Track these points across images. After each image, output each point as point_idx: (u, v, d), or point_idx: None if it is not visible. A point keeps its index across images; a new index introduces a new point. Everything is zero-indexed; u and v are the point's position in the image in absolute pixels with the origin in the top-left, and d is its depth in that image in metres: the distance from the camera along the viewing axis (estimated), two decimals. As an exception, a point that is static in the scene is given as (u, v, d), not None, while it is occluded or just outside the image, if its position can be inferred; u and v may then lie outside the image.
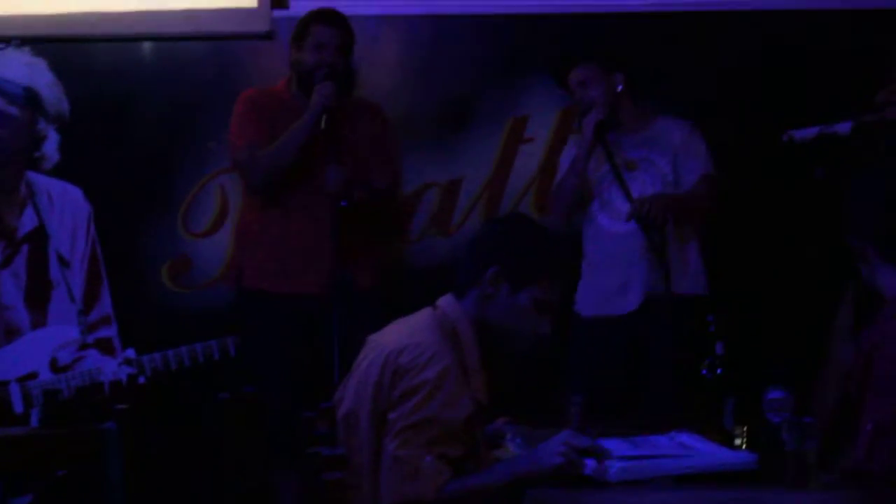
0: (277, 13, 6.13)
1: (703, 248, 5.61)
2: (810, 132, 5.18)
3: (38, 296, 4.62)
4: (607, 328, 5.57)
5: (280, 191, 5.47)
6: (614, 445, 3.63)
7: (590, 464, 3.51)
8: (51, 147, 5.05)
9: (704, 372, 4.07)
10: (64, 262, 4.66)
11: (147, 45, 6.13)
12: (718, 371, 4.05)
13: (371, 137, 5.65)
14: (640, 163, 5.65)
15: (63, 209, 4.90)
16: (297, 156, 5.42)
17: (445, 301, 3.83)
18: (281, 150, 5.44)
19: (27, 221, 4.76)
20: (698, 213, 5.63)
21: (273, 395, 5.01)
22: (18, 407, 4.31)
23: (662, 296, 5.45)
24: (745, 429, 3.91)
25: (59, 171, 5.35)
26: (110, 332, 4.75)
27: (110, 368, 4.42)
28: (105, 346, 4.65)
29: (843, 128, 5.12)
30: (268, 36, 6.13)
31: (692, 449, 3.68)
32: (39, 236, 4.72)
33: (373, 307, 5.31)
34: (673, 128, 5.69)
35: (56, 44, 5.90)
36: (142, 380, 4.47)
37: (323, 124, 5.40)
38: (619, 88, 5.65)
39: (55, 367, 4.45)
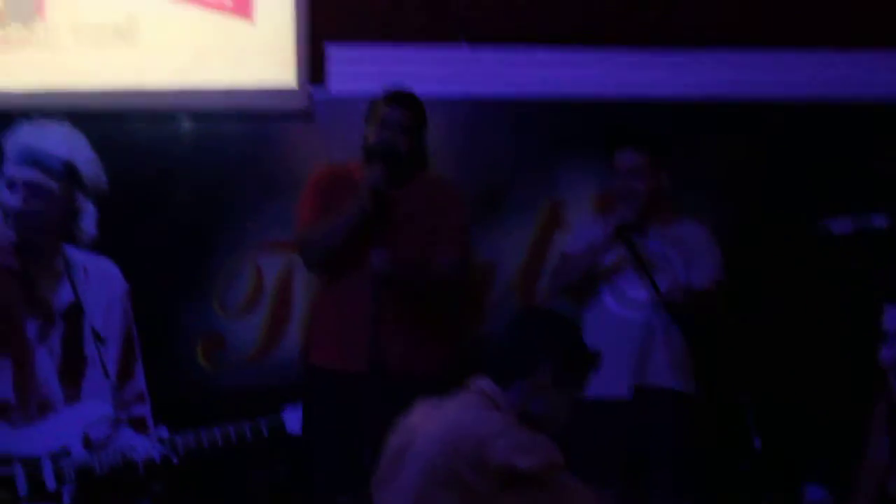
0: (316, 92, 6.16)
1: (747, 342, 5.59)
2: (847, 224, 5.17)
3: (72, 371, 4.60)
4: (608, 412, 5.53)
5: (338, 270, 5.47)
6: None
7: None
8: (88, 222, 5.06)
9: (742, 467, 4.03)
10: (99, 339, 4.64)
11: (186, 122, 6.16)
12: (756, 467, 4.02)
13: (437, 217, 5.63)
14: (659, 260, 5.65)
15: (99, 284, 4.89)
16: (347, 237, 5.41)
17: (487, 386, 3.85)
18: (331, 231, 5.46)
19: (63, 296, 4.75)
20: (705, 316, 5.61)
21: (312, 473, 4.97)
22: (51, 484, 4.28)
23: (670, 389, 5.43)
24: (784, 525, 3.87)
25: (96, 247, 5.36)
26: (144, 409, 4.72)
27: (143, 446, 4.39)
28: (138, 424, 4.62)
29: (880, 221, 5.11)
30: (305, 114, 6.16)
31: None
32: (75, 311, 4.70)
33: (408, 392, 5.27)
34: (692, 231, 5.70)
35: (96, 119, 5.93)
36: (175, 459, 4.44)
37: (368, 206, 5.39)
38: (665, 185, 5.66)
39: (88, 443, 4.42)
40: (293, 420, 4.56)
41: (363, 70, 6.32)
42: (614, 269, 5.69)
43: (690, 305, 5.47)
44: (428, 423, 3.82)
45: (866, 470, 4.75)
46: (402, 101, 5.74)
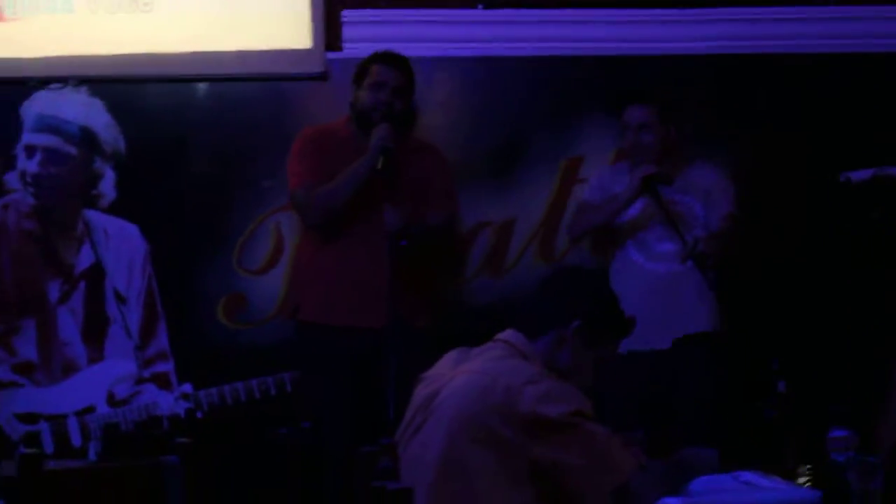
0: (331, 55, 6.15)
1: (772, 287, 5.59)
2: (866, 174, 5.16)
3: (95, 331, 4.64)
4: (644, 363, 5.53)
5: (338, 227, 5.48)
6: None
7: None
8: (107, 185, 5.07)
9: (767, 411, 4.03)
10: (121, 299, 4.67)
11: (202, 86, 6.15)
12: (781, 410, 4.01)
13: (428, 176, 5.66)
14: (679, 207, 5.64)
15: (120, 246, 4.92)
16: (354, 195, 5.43)
17: (514, 337, 3.87)
18: (337, 189, 5.46)
19: (84, 258, 4.78)
20: (722, 253, 5.62)
21: (331, 428, 4.99)
22: (76, 440, 4.31)
23: (710, 335, 5.44)
24: (808, 468, 3.87)
25: (115, 209, 5.38)
26: (167, 367, 4.75)
27: (167, 403, 4.42)
28: (162, 381, 4.65)
29: (899, 169, 5.10)
30: (321, 77, 6.16)
31: (756, 486, 3.64)
32: (96, 273, 4.73)
33: (426, 345, 5.30)
34: (705, 171, 5.70)
35: (112, 84, 5.94)
36: (199, 415, 4.47)
37: (380, 165, 5.40)
38: (673, 137, 5.66)
39: (112, 401, 4.46)
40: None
41: (379, 32, 6.31)
42: (639, 223, 5.67)
43: (715, 252, 5.46)
44: (455, 374, 3.82)
45: (891, 414, 4.76)
46: (394, 61, 5.74)
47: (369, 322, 5.34)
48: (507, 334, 3.89)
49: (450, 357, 3.94)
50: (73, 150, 4.87)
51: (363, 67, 5.68)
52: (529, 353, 3.83)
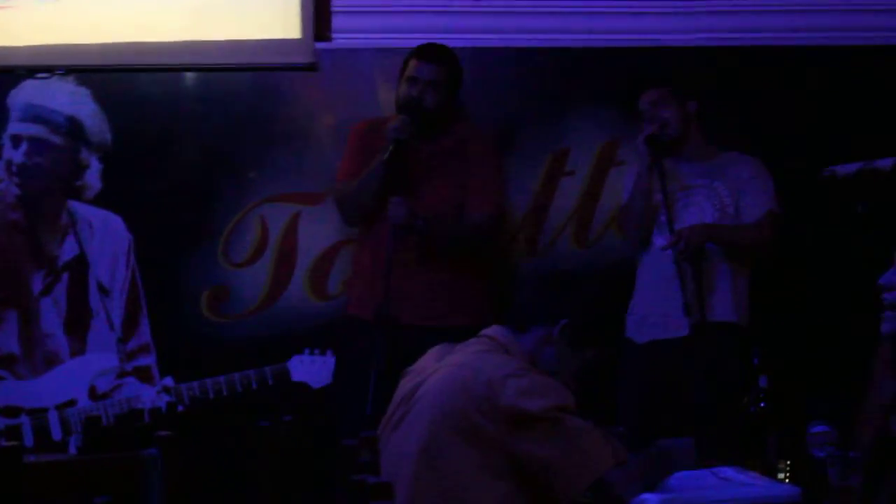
0: (320, 45, 6.14)
1: (753, 281, 5.54)
2: (852, 168, 5.15)
3: (77, 323, 4.63)
4: (660, 353, 5.51)
5: (370, 222, 5.51)
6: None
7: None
8: (93, 176, 5.06)
9: (750, 408, 4.03)
10: (104, 291, 4.67)
11: (190, 76, 6.14)
12: (762, 404, 4.01)
13: (470, 170, 5.63)
14: (701, 189, 5.59)
15: (104, 238, 4.91)
16: (378, 190, 5.42)
17: (499, 332, 3.88)
18: (361, 185, 5.48)
19: (68, 250, 4.77)
20: (755, 247, 5.55)
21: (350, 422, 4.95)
22: (57, 434, 4.31)
23: (696, 325, 5.39)
24: (788, 463, 3.87)
25: (100, 200, 5.37)
26: (149, 360, 4.75)
27: (149, 396, 4.42)
28: (144, 375, 4.65)
29: (885, 163, 5.09)
30: (311, 67, 6.14)
31: (736, 482, 3.64)
32: (80, 264, 4.72)
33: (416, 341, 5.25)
34: (740, 162, 5.62)
35: (99, 74, 5.93)
36: (180, 408, 4.47)
37: (386, 155, 5.40)
38: (692, 113, 5.61)
39: (94, 394, 4.45)
40: (298, 369, 4.57)
41: (369, 22, 6.30)
42: (659, 205, 5.62)
43: (691, 243, 5.41)
44: (438, 368, 3.83)
45: (869, 411, 4.75)
46: (431, 55, 5.73)
47: (404, 318, 5.31)
48: (493, 330, 3.91)
49: (434, 351, 3.96)
50: (58, 140, 4.86)
51: (405, 61, 5.70)
52: (514, 348, 3.85)
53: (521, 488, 3.68)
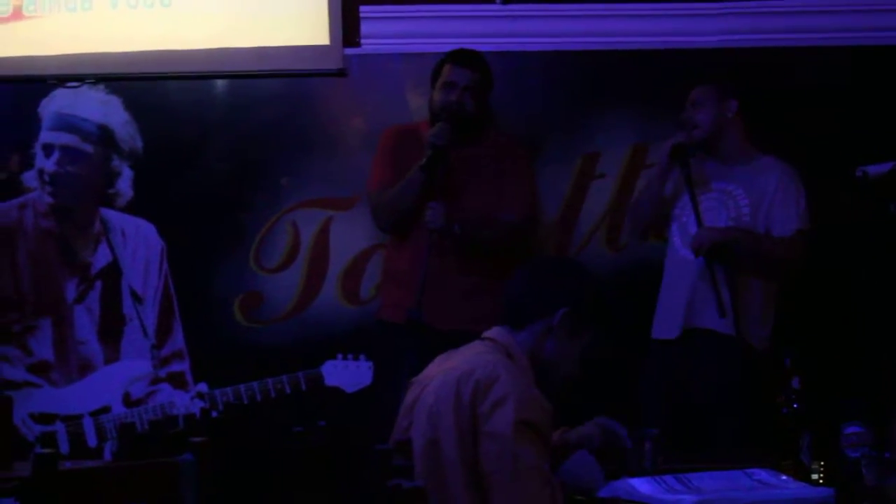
0: (349, 51, 6.15)
1: (779, 299, 5.50)
2: (884, 168, 5.13)
3: (111, 330, 4.65)
4: (669, 352, 5.51)
5: (406, 229, 5.51)
6: (694, 480, 3.62)
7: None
8: (124, 184, 5.09)
9: (781, 407, 4.02)
10: (137, 298, 4.68)
11: (220, 83, 6.16)
12: (795, 406, 4.00)
13: (505, 175, 5.63)
14: (719, 195, 5.59)
15: (136, 245, 4.92)
16: (416, 196, 5.42)
17: (497, 333, 3.89)
18: (399, 191, 5.48)
19: (101, 257, 4.79)
20: (783, 264, 5.52)
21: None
22: (92, 440, 4.32)
23: (712, 331, 5.38)
24: (822, 464, 3.86)
25: (132, 208, 5.39)
26: (182, 366, 4.76)
27: (183, 402, 4.43)
28: (177, 381, 4.66)
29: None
30: (340, 73, 6.16)
31: (769, 485, 3.64)
32: (113, 272, 4.74)
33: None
34: (773, 171, 5.57)
35: (130, 82, 5.96)
36: (214, 414, 4.48)
37: (425, 161, 5.40)
38: (731, 115, 5.59)
39: (128, 401, 4.47)
40: (332, 374, 4.57)
41: (397, 28, 6.31)
42: (670, 205, 5.62)
43: (721, 246, 5.40)
44: (437, 374, 3.85)
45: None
46: (466, 60, 5.73)
47: (438, 322, 5.31)
48: (493, 331, 3.92)
49: (437, 359, 3.98)
50: (90, 149, 4.89)
51: (438, 67, 5.69)
52: (513, 347, 3.85)
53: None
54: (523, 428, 3.63)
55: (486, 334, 3.93)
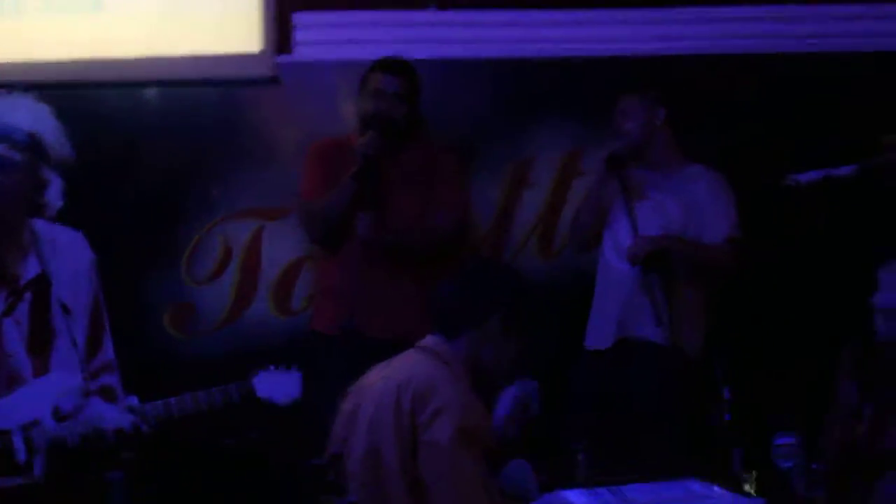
0: (281, 58, 6.13)
1: (709, 306, 5.53)
2: (815, 176, 5.17)
3: (40, 343, 4.58)
4: (602, 362, 5.53)
5: (339, 240, 5.49)
6: (627, 492, 3.63)
7: None
8: (54, 193, 5.01)
9: (713, 419, 4.04)
10: (66, 310, 4.61)
11: (152, 91, 6.13)
12: (726, 416, 4.03)
13: (434, 181, 5.64)
14: (652, 202, 5.61)
15: (66, 256, 4.85)
16: (347, 206, 5.41)
17: (433, 341, 3.91)
18: (330, 202, 5.46)
19: (30, 268, 4.72)
20: (715, 272, 5.55)
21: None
22: (21, 456, 4.26)
23: (647, 341, 5.40)
24: (754, 475, 3.89)
25: (62, 218, 5.33)
26: (113, 379, 4.70)
27: (112, 416, 4.37)
28: (108, 394, 4.59)
29: (847, 171, 5.11)
30: (272, 81, 6.13)
31: (702, 496, 3.66)
32: (42, 283, 4.67)
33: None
34: (701, 178, 5.62)
35: (60, 89, 5.90)
36: (144, 428, 4.43)
37: (356, 171, 5.40)
38: (659, 123, 5.62)
39: (58, 415, 4.40)
40: (263, 386, 4.54)
41: (330, 36, 6.30)
42: (606, 216, 5.64)
43: (648, 253, 5.42)
44: (374, 383, 3.88)
45: (835, 415, 4.77)
46: (394, 68, 5.73)
47: (372, 332, 5.30)
48: (428, 340, 3.96)
49: (374, 370, 4.00)
50: (18, 157, 4.82)
51: (366, 75, 5.68)
52: (448, 355, 3.89)
53: None
54: (462, 436, 3.64)
55: (421, 343, 3.94)
